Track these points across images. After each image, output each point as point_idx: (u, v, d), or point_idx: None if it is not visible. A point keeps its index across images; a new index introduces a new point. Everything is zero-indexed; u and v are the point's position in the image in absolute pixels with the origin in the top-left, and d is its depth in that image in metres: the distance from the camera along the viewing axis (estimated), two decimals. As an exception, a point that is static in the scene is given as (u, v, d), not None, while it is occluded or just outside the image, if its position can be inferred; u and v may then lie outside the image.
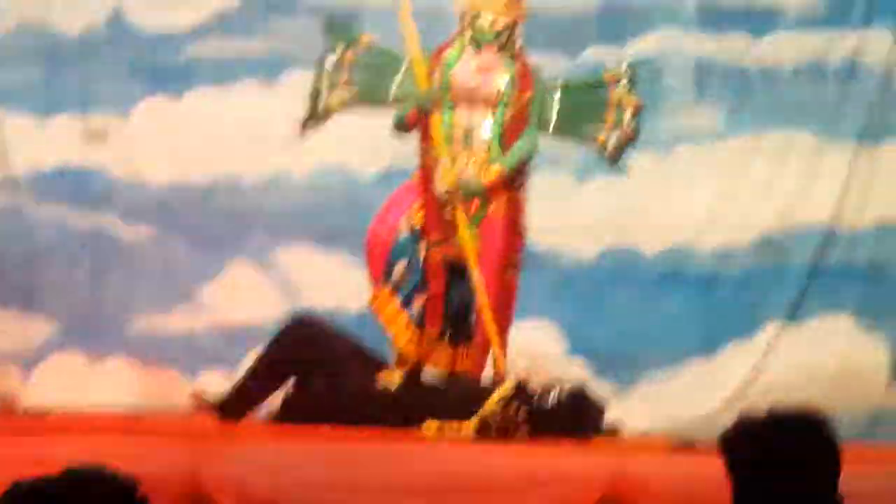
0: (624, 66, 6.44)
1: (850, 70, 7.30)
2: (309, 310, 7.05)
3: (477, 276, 6.21)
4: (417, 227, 6.31)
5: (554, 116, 6.44)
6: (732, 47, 7.33)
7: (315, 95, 6.47)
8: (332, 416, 6.07)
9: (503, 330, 6.32)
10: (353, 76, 6.49)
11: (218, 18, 7.39)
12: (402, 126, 6.40)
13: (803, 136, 7.28)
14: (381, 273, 6.31)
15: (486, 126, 6.32)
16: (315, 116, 6.47)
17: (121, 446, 5.18)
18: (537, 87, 6.40)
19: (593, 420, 6.09)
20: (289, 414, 6.17)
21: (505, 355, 6.27)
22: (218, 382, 6.47)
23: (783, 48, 7.34)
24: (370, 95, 6.47)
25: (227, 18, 7.41)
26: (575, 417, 6.02)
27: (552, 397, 6.03)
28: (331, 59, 6.49)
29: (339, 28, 6.51)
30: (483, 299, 6.21)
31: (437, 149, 6.24)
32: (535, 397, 6.05)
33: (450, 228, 6.31)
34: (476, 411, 6.02)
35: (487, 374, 6.37)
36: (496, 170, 6.27)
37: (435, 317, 6.23)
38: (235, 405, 6.25)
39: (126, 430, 5.65)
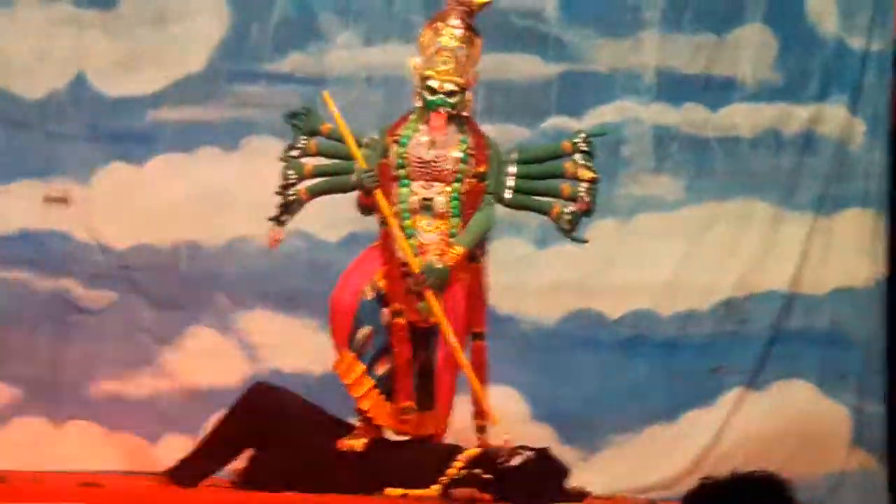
0: (581, 137, 6.49)
1: (807, 141, 7.44)
2: (273, 372, 7.07)
3: (452, 338, 6.22)
4: (382, 291, 6.33)
5: (510, 189, 6.47)
6: (691, 117, 7.45)
7: (284, 189, 6.51)
8: (294, 481, 6.05)
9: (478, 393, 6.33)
10: (318, 166, 6.54)
11: (180, 84, 7.43)
12: (359, 207, 6.46)
13: (762, 205, 7.41)
14: (346, 338, 6.31)
15: (443, 200, 6.36)
16: (287, 210, 6.51)
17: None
18: (493, 160, 6.43)
19: (559, 483, 6.08)
20: (249, 480, 6.14)
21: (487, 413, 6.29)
22: (180, 447, 6.42)
23: (741, 119, 7.46)
24: (336, 183, 6.50)
25: (189, 84, 7.45)
26: (540, 480, 6.01)
27: (518, 460, 6.02)
28: (295, 152, 6.54)
29: (300, 119, 6.55)
30: (461, 358, 6.23)
31: (390, 224, 6.27)
32: (500, 461, 6.04)
33: (412, 297, 6.34)
34: (440, 476, 6.01)
35: (449, 437, 6.38)
36: (456, 252, 6.30)
37: (405, 387, 6.23)
38: (191, 472, 6.21)
39: (87, 495, 5.59)
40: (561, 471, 6.11)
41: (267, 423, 6.27)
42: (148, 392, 7.28)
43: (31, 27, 7.38)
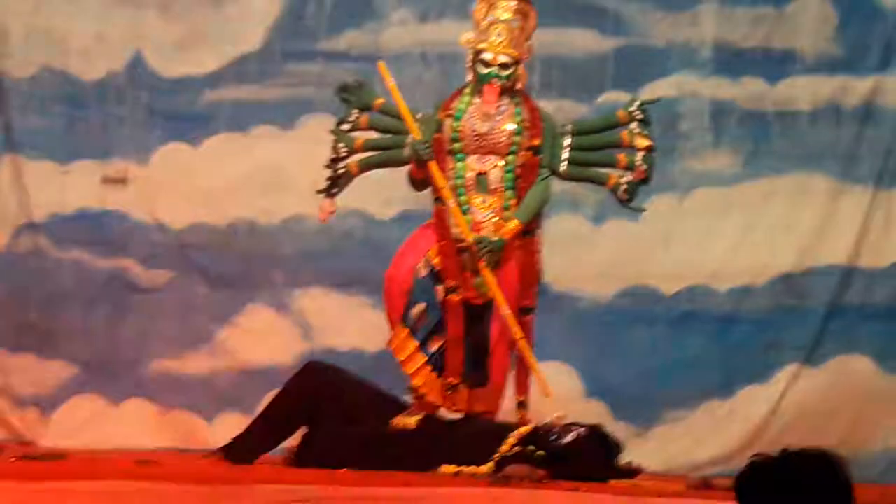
0: (636, 105, 6.44)
1: (867, 113, 7.33)
2: (328, 350, 7.09)
3: (506, 312, 6.22)
4: (436, 269, 6.32)
5: (565, 161, 6.43)
6: (749, 91, 7.37)
7: (334, 162, 6.52)
8: (347, 459, 6.07)
9: (524, 372, 6.32)
10: (369, 140, 6.54)
11: (236, 64, 7.45)
12: (411, 182, 6.45)
13: (820, 179, 7.30)
14: (400, 315, 6.32)
15: (497, 173, 6.34)
16: (336, 184, 6.52)
17: (138, 490, 5.20)
18: (547, 133, 6.39)
19: (612, 459, 6.06)
20: (304, 458, 6.16)
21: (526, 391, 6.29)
22: (235, 425, 6.46)
23: (800, 92, 7.37)
24: (387, 158, 6.50)
25: (246, 64, 7.46)
26: (593, 457, 5.98)
27: (570, 437, 6.00)
28: (346, 125, 6.54)
29: (353, 93, 6.55)
30: (515, 329, 6.22)
31: (445, 197, 6.26)
32: (552, 438, 6.02)
33: (466, 273, 6.33)
34: (493, 453, 6.00)
35: (504, 415, 6.38)
36: (512, 227, 6.28)
37: (455, 363, 6.23)
38: (245, 450, 6.24)
39: (143, 473, 5.64)
40: (613, 446, 6.08)
41: (320, 401, 6.29)
42: (204, 370, 7.33)
43: (88, 8, 7.43)
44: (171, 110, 7.44)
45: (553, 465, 5.93)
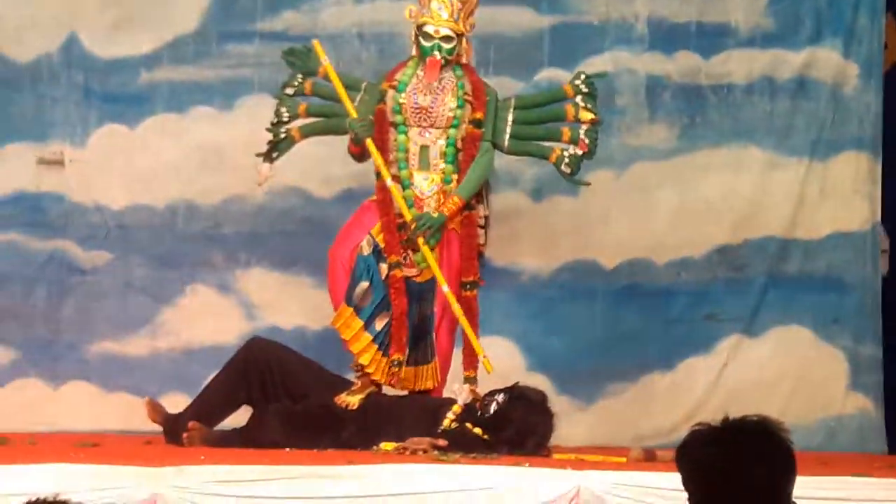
0: (581, 78, 6.49)
1: (800, 86, 7.40)
2: (272, 329, 7.08)
3: (446, 289, 6.24)
4: (379, 247, 6.33)
5: (508, 135, 6.46)
6: (684, 66, 7.41)
7: (276, 126, 6.50)
8: (292, 437, 6.07)
9: (471, 348, 6.35)
10: (312, 106, 6.52)
11: (173, 45, 7.40)
12: (351, 155, 6.46)
13: (756, 151, 7.37)
14: (344, 293, 6.32)
15: (439, 147, 6.35)
16: (277, 148, 6.50)
17: (80, 471, 5.18)
18: (490, 107, 6.42)
19: (540, 412, 6.09)
20: (247, 436, 6.15)
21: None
22: (178, 406, 6.43)
23: (734, 66, 7.42)
24: (330, 125, 6.50)
25: (182, 46, 7.41)
26: (522, 416, 6.02)
27: (493, 407, 6.06)
28: (290, 90, 6.53)
29: (299, 57, 6.54)
30: (455, 306, 6.24)
31: (383, 175, 6.26)
32: (479, 413, 6.07)
33: (409, 250, 6.34)
34: (433, 430, 6.03)
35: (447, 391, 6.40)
36: (454, 202, 6.30)
37: (400, 340, 6.24)
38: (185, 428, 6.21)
39: (85, 455, 5.62)
40: (538, 399, 6.12)
41: (263, 377, 6.29)
42: (146, 351, 7.29)
43: (22, -10, 7.35)
44: (107, 92, 7.37)
45: (491, 436, 5.98)
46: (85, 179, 7.34)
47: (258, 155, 6.49)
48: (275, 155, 6.50)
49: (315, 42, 6.52)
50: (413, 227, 6.26)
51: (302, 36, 7.24)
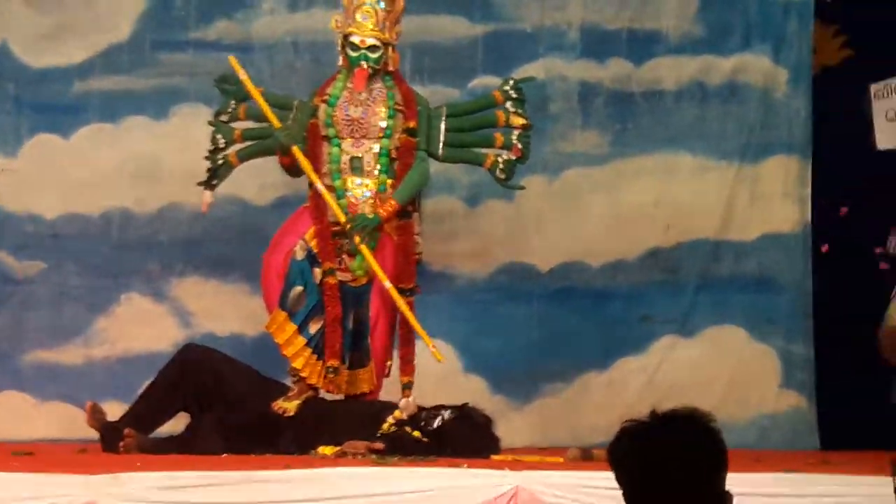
0: (510, 84, 6.55)
1: (731, 91, 7.48)
2: (207, 336, 7.06)
3: (388, 285, 6.26)
4: (313, 252, 6.34)
5: (442, 143, 6.50)
6: (616, 72, 7.48)
7: (213, 153, 6.54)
8: (231, 443, 6.06)
9: (409, 353, 6.39)
10: (247, 129, 6.56)
11: (105, 54, 7.38)
12: (284, 169, 6.48)
13: (687, 156, 7.44)
14: (277, 298, 6.33)
15: (372, 157, 6.38)
16: (216, 175, 6.54)
17: (15, 480, 5.14)
18: (422, 115, 6.46)
19: (483, 436, 6.15)
20: (184, 444, 6.14)
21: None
22: (114, 414, 6.40)
23: (665, 72, 7.49)
24: (265, 147, 6.53)
25: (115, 55, 7.39)
26: (461, 436, 6.07)
27: (437, 421, 6.10)
28: (224, 116, 6.57)
29: (231, 84, 6.58)
30: (402, 305, 6.27)
31: (312, 180, 6.29)
32: (422, 423, 6.10)
33: (343, 255, 6.36)
34: (372, 434, 6.05)
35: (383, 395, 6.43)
36: (391, 204, 6.33)
37: (335, 345, 6.26)
38: (121, 436, 6.18)
39: (18, 463, 5.58)
40: (483, 423, 6.17)
41: (199, 382, 6.28)
42: (80, 360, 7.25)
43: (-49, 0, 7.30)
44: (39, 101, 7.34)
45: (430, 445, 6.01)
46: (18, 189, 7.28)
47: (199, 184, 6.54)
48: (214, 182, 6.58)
49: (231, 57, 6.58)
50: (349, 227, 6.28)
51: (235, 45, 7.26)
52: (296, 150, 6.34)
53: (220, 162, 6.57)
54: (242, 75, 6.48)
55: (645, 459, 2.73)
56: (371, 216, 6.32)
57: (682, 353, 7.32)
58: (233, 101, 6.60)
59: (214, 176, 6.57)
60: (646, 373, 7.31)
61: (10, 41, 7.33)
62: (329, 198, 6.33)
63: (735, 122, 7.47)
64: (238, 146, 6.59)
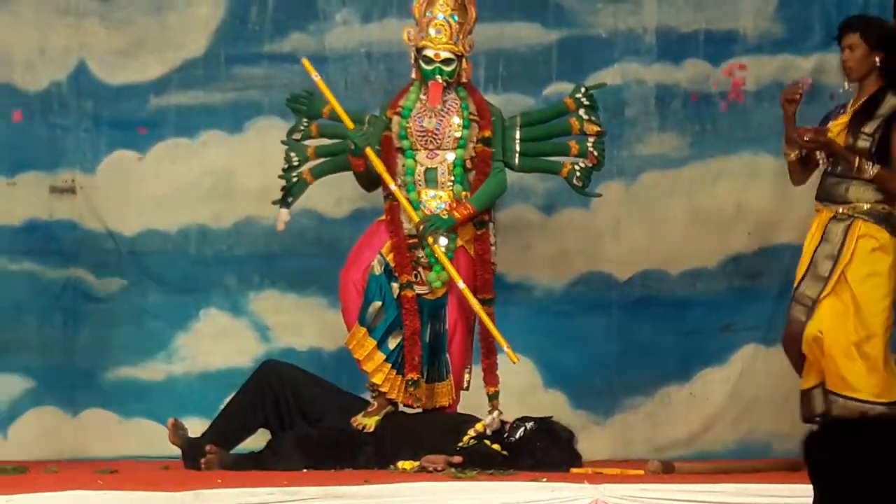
0: (581, 91, 6.51)
1: (811, 92, 7.35)
2: (286, 350, 7.08)
3: (462, 286, 6.25)
4: (390, 266, 6.34)
5: (518, 152, 6.48)
6: (693, 74, 7.39)
7: (287, 171, 6.56)
8: (309, 460, 6.07)
9: (492, 365, 6.37)
10: (320, 146, 6.58)
11: (181, 70, 7.41)
12: (359, 181, 6.47)
13: (768, 159, 7.32)
14: (356, 314, 6.32)
15: (447, 168, 6.36)
16: (291, 193, 6.57)
17: (101, 499, 5.18)
18: (496, 125, 6.44)
19: (565, 450, 6.10)
20: (263, 461, 6.15)
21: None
22: (196, 430, 6.43)
23: (744, 73, 7.39)
24: (339, 163, 6.54)
25: (190, 70, 7.42)
26: (544, 449, 6.03)
27: (519, 433, 6.06)
28: (297, 134, 6.58)
29: (302, 103, 6.59)
30: (477, 307, 6.26)
31: (386, 181, 6.29)
32: (505, 434, 6.07)
33: (420, 268, 6.35)
34: (452, 448, 6.02)
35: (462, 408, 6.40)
36: (466, 208, 6.31)
37: (414, 359, 6.24)
38: (203, 453, 6.20)
39: (106, 482, 5.61)
40: (566, 438, 6.13)
41: (278, 399, 6.29)
42: (162, 376, 7.29)
43: (30, 21, 7.35)
44: (116, 118, 7.39)
45: (511, 458, 5.97)
46: (97, 206, 7.34)
47: (274, 202, 6.55)
48: (290, 200, 6.61)
49: (304, 59, 6.57)
50: (421, 228, 6.27)
51: (310, 57, 7.26)
52: (369, 150, 6.35)
53: (295, 180, 6.61)
54: (315, 76, 6.48)
55: (847, 460, 2.66)
56: (445, 216, 6.31)
57: (763, 364, 7.21)
58: (305, 120, 6.63)
59: (289, 194, 6.60)
60: (728, 383, 7.22)
61: (88, 59, 7.38)
62: (402, 198, 6.32)
63: (815, 123, 7.33)
64: (312, 163, 6.61)
